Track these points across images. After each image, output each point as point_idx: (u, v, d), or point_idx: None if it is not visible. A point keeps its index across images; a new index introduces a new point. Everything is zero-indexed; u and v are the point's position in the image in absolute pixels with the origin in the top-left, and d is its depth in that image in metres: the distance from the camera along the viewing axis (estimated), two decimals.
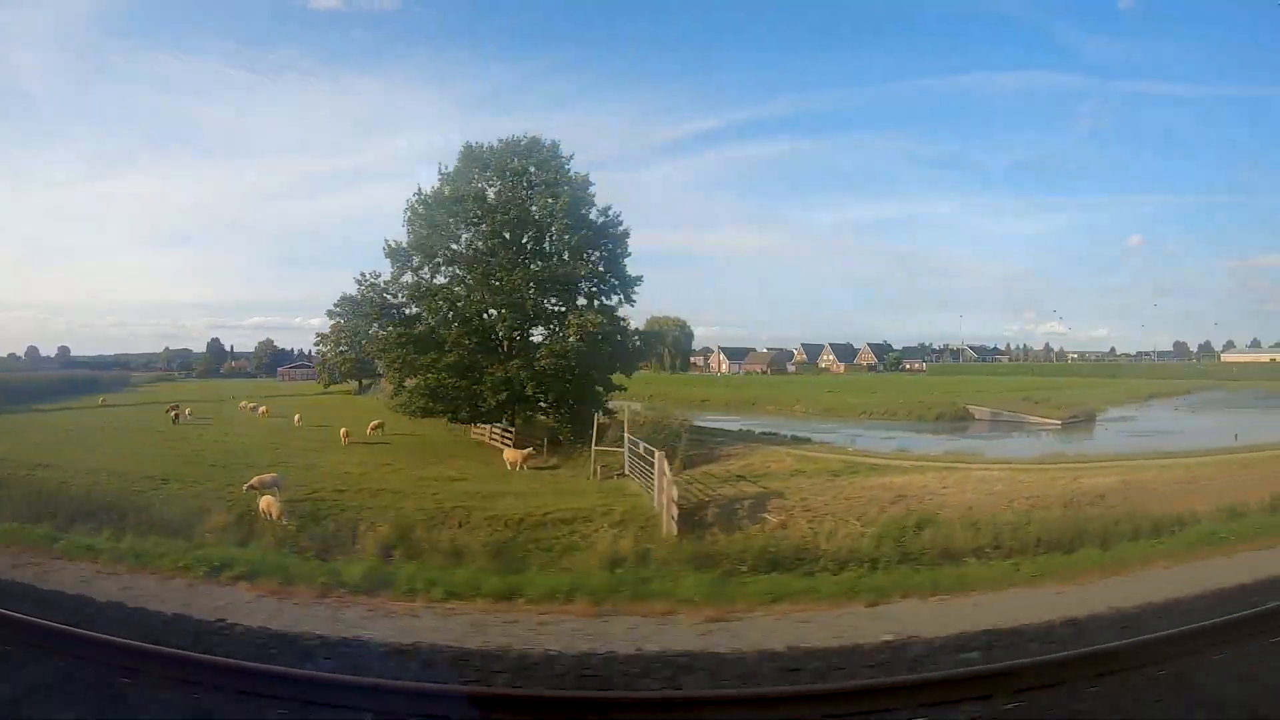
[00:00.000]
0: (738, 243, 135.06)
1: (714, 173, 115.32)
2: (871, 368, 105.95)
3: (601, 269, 26.27)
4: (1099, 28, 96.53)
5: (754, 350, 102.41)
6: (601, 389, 25.45)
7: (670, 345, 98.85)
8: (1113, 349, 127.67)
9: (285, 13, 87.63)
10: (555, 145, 26.06)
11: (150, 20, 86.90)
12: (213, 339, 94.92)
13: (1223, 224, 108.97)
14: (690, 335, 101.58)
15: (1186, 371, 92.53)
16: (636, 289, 26.55)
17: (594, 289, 26.37)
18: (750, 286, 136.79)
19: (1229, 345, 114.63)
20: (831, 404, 42.85)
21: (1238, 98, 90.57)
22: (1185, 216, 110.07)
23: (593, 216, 26.22)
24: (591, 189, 26.14)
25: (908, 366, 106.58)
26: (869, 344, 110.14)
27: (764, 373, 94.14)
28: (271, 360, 79.66)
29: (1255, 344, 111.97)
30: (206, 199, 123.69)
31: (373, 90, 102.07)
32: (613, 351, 26.16)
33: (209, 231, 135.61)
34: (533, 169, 25.51)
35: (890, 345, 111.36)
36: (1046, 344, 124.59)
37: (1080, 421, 36.66)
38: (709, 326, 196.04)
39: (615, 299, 26.75)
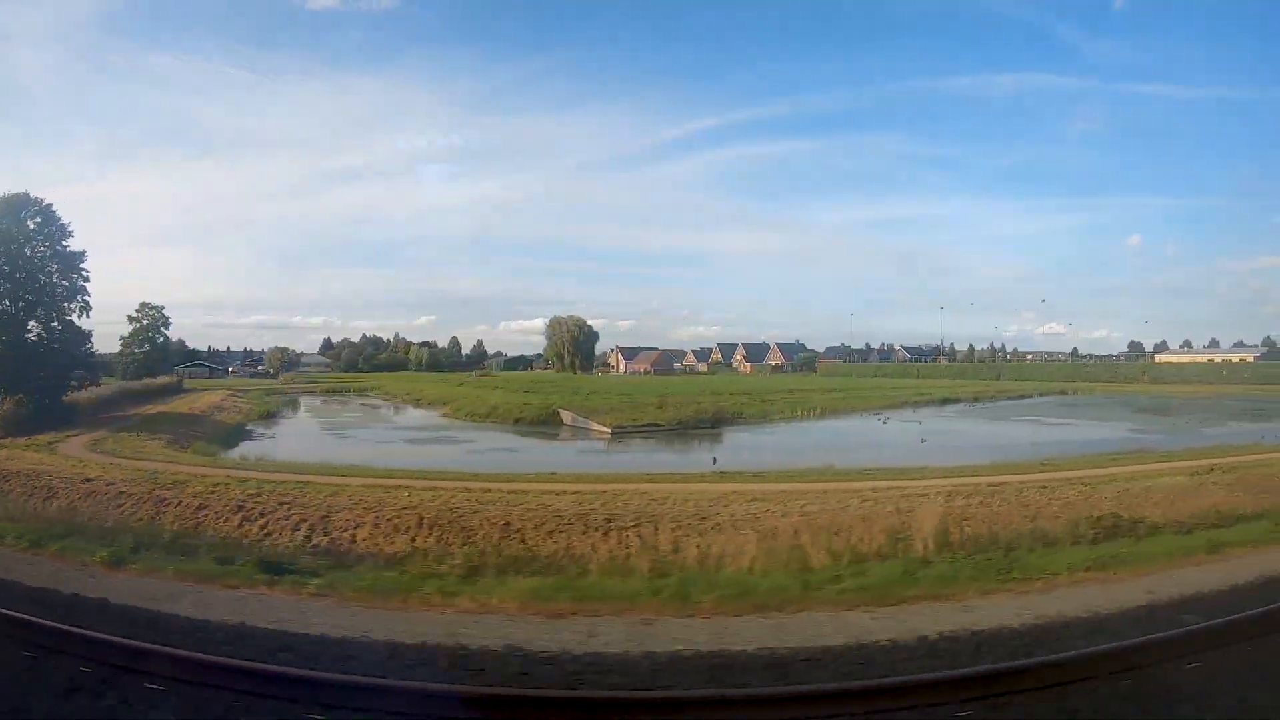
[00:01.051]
0: (734, 242, 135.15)
1: (713, 173, 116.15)
2: (778, 368, 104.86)
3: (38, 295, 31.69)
4: (1098, 30, 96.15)
5: (645, 350, 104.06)
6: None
7: (569, 345, 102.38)
8: (1075, 349, 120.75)
9: (283, 13, 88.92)
10: (41, 200, 31.69)
11: (151, 20, 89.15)
12: (177, 340, 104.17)
13: (1220, 226, 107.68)
14: (594, 335, 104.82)
15: (1089, 373, 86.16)
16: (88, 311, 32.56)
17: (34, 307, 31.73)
18: (743, 285, 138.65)
19: (1186, 345, 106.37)
20: (474, 403, 45.60)
21: (1236, 99, 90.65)
22: (1183, 218, 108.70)
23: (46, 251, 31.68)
24: (69, 228, 31.88)
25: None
26: (779, 344, 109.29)
27: (646, 373, 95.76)
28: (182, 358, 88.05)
29: (1213, 343, 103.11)
30: (207, 198, 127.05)
31: (372, 90, 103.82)
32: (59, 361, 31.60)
33: (209, 231, 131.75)
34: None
35: (804, 345, 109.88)
36: (990, 344, 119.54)
37: (660, 430, 36.47)
38: (709, 325, 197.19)
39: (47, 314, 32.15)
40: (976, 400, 58.19)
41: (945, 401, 56.25)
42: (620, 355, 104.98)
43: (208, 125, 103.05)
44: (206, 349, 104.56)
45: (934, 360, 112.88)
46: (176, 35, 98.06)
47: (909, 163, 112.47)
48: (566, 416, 39.34)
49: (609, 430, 35.63)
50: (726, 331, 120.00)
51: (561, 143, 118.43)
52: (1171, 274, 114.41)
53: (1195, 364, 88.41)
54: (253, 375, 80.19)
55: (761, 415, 42.11)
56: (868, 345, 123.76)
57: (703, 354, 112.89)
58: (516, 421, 39.26)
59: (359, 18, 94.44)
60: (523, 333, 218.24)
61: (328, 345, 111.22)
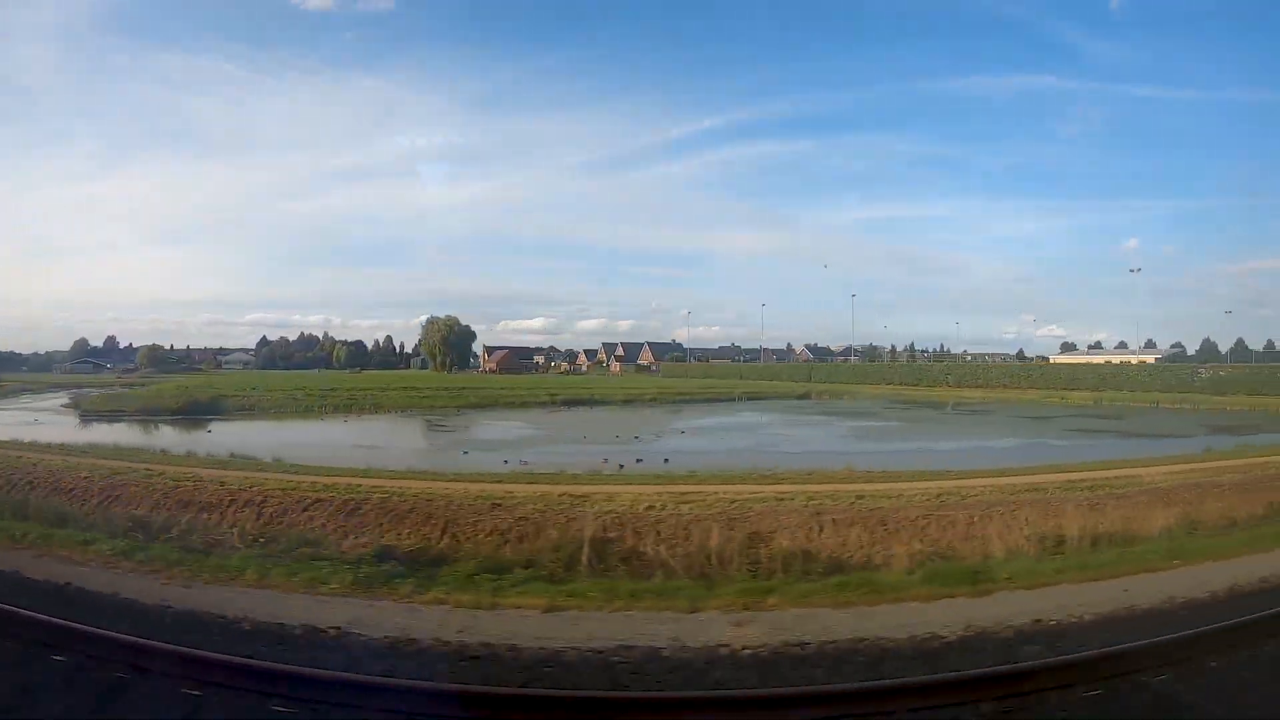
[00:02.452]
0: (734, 241, 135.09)
1: (713, 172, 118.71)
2: (642, 368, 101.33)
3: None
4: (1096, 32, 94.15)
5: (497, 349, 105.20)
6: None
7: (440, 344, 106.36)
8: (1020, 351, 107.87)
9: (281, 13, 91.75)
10: None
11: (151, 19, 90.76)
12: (79, 338, 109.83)
13: (1218, 228, 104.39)
14: (470, 334, 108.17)
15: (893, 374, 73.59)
16: None
17: None
18: (742, 285, 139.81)
19: (1121, 345, 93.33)
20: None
21: (1234, 101, 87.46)
22: (1180, 220, 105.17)
23: None
24: None
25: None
26: (650, 343, 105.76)
27: (492, 371, 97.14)
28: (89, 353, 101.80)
29: (1149, 344, 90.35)
30: (208, 197, 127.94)
31: (373, 89, 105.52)
32: None
33: (210, 229, 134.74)
34: None
35: (680, 346, 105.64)
36: (910, 344, 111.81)
37: (123, 416, 37.62)
38: (709, 326, 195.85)
39: None
40: (628, 402, 53.61)
41: (568, 403, 51.85)
42: (487, 353, 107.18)
43: (208, 124, 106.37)
44: (214, 347, 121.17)
45: (835, 360, 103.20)
46: (177, 33, 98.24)
47: (908, 163, 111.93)
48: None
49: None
50: (725, 332, 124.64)
51: (561, 143, 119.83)
52: (1169, 276, 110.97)
53: (1090, 365, 73.12)
54: (124, 372, 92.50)
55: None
56: (788, 346, 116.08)
57: (518, 352, 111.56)
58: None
59: (354, 18, 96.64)
60: (522, 332, 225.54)
61: (264, 342, 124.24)
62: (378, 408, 45.16)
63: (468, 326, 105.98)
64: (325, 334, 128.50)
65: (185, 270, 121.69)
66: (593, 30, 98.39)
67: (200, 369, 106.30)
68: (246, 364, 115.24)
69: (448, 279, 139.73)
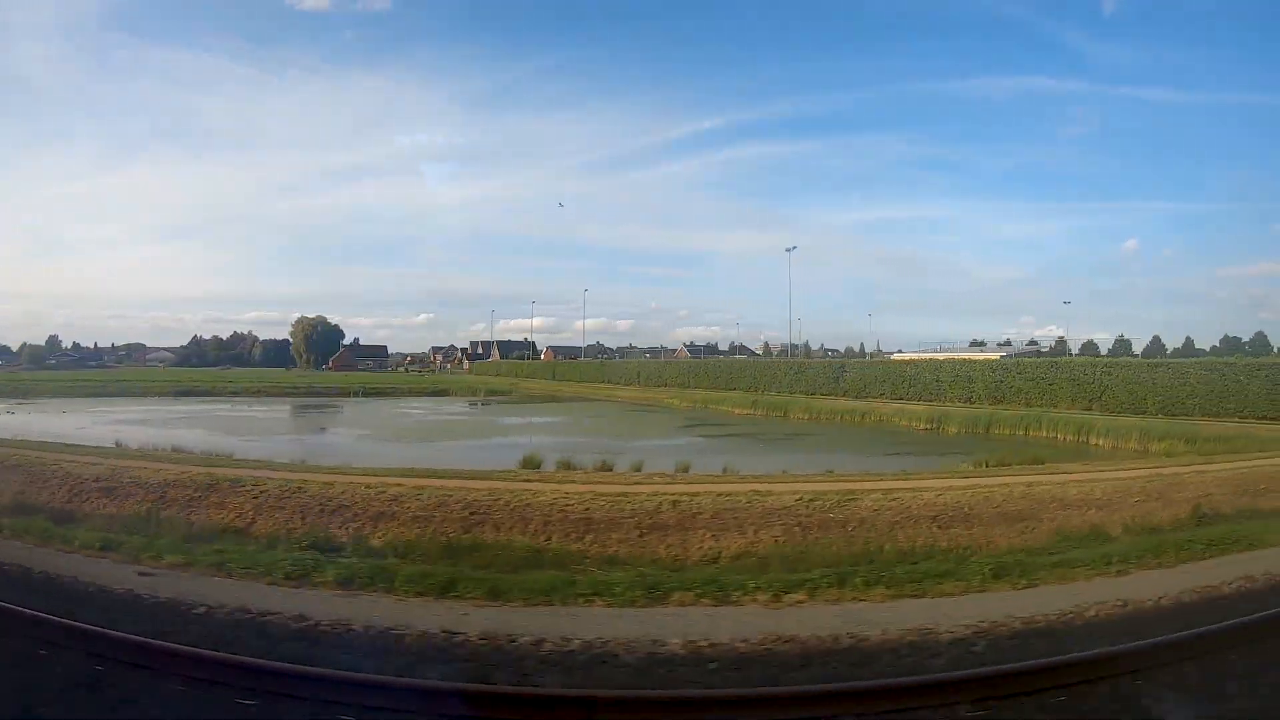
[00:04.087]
0: (734, 242, 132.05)
1: (713, 173, 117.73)
2: (490, 366, 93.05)
3: None
4: (1097, 34, 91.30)
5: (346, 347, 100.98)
6: None
7: (303, 344, 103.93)
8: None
9: (278, 11, 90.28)
10: None
11: (153, 15, 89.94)
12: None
13: (1218, 231, 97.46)
14: (338, 333, 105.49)
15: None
16: None
17: None
18: (742, 285, 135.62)
19: (1021, 343, 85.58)
20: None
21: (1234, 104, 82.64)
22: (1180, 222, 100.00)
23: None
24: None
25: None
26: (499, 342, 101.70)
27: (329, 369, 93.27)
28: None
29: (1048, 342, 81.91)
30: (209, 195, 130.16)
31: (373, 88, 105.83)
32: None
33: (211, 226, 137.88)
34: None
35: (535, 345, 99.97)
36: (822, 344, 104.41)
37: None
38: (709, 326, 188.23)
39: None
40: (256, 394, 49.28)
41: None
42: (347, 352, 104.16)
43: (210, 121, 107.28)
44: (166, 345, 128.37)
45: (753, 357, 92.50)
46: (179, 30, 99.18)
47: (907, 164, 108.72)
48: None
49: None
50: (723, 332, 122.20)
51: (562, 142, 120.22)
52: (1169, 278, 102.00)
53: (932, 362, 55.37)
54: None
55: None
56: (689, 343, 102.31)
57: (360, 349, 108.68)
58: None
59: (352, 18, 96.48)
60: (521, 331, 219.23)
61: (196, 341, 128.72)
62: (26, 394, 48.67)
63: (336, 325, 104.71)
64: (249, 332, 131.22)
65: (186, 268, 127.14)
66: (593, 30, 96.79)
67: (98, 366, 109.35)
68: (164, 361, 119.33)
69: (449, 277, 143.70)
